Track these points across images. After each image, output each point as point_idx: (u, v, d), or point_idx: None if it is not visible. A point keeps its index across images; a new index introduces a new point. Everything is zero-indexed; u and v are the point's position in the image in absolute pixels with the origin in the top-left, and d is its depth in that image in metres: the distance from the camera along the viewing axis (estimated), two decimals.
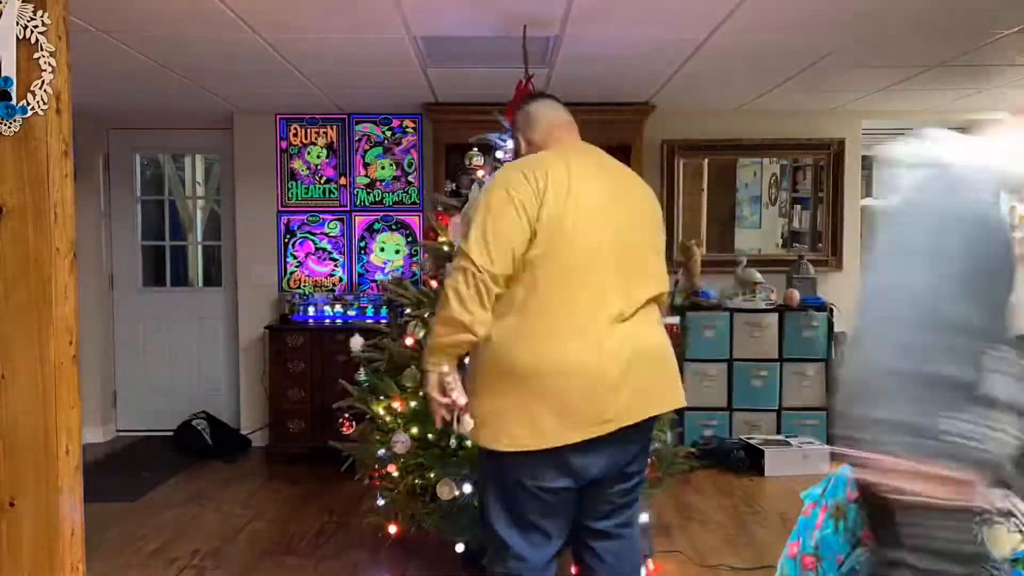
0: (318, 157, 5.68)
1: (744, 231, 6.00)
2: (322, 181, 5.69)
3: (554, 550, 2.44)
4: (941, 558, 1.59)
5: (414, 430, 3.26)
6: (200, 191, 6.44)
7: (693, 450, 3.80)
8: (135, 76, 4.41)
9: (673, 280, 5.57)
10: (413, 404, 3.35)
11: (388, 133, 5.68)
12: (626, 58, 4.12)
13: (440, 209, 3.70)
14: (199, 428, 5.58)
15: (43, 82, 2.22)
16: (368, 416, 3.46)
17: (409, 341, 3.43)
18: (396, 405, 3.34)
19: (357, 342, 3.62)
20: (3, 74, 2.20)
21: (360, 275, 5.72)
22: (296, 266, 5.70)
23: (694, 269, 5.51)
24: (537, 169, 2.31)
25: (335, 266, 5.73)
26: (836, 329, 5.46)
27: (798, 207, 5.98)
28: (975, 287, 1.51)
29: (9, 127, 2.22)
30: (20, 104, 2.21)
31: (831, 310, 5.41)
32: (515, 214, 2.23)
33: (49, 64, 2.22)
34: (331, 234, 5.71)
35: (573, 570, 3.20)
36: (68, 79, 2.29)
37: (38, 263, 2.26)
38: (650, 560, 3.50)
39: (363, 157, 5.69)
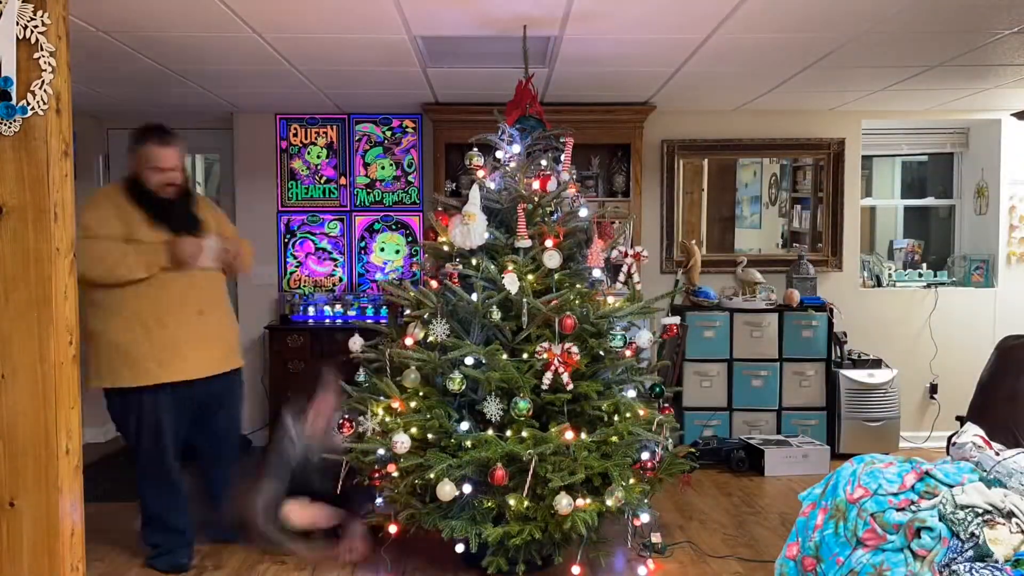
0: (318, 157, 5.68)
1: (744, 231, 6.00)
2: (322, 181, 5.69)
3: None
4: None
5: (414, 430, 3.26)
6: (200, 191, 6.44)
7: (693, 450, 3.80)
8: (135, 76, 4.41)
9: (674, 279, 5.58)
10: (413, 404, 3.35)
11: (388, 133, 5.68)
12: (626, 58, 4.12)
13: (440, 209, 3.70)
14: None
15: (43, 82, 2.22)
16: (366, 415, 3.46)
17: (409, 341, 3.43)
18: (396, 405, 3.34)
19: (357, 342, 3.62)
20: (3, 74, 2.20)
21: (360, 275, 5.72)
22: (296, 266, 5.70)
23: (694, 269, 5.51)
24: None
25: (335, 266, 5.72)
26: (836, 329, 5.47)
27: (798, 207, 5.98)
28: None
29: (9, 127, 2.22)
30: (20, 104, 2.21)
31: (831, 310, 5.41)
32: None
33: (49, 64, 2.22)
34: (331, 234, 5.71)
35: (576, 570, 3.22)
36: (68, 79, 2.29)
37: (38, 263, 2.26)
38: (651, 560, 3.51)
39: (363, 157, 5.68)
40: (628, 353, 3.47)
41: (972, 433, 2.93)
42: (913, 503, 2.11)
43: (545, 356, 3.19)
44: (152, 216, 3.46)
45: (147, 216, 3.46)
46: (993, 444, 2.87)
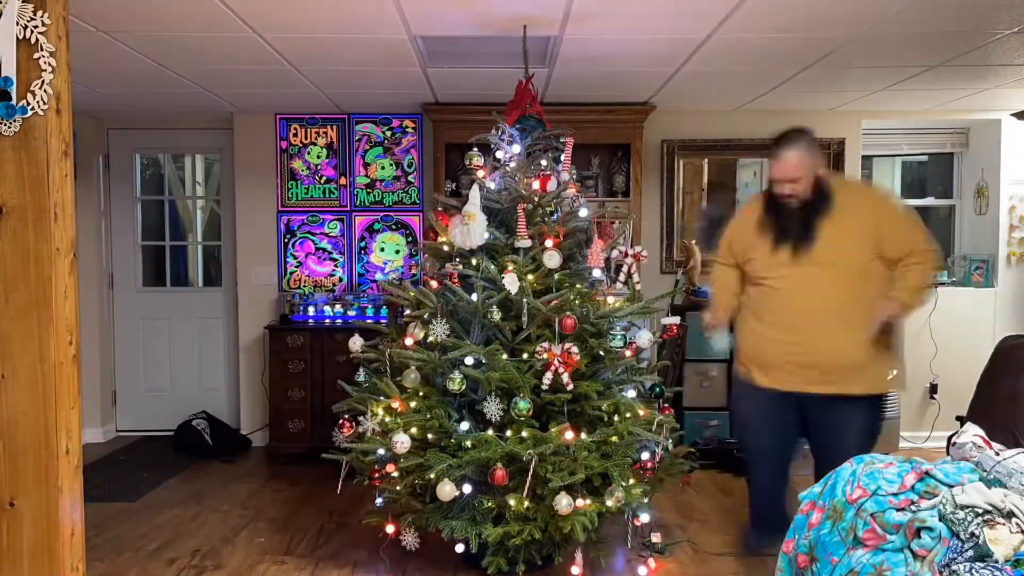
0: (318, 157, 5.68)
1: None
2: (322, 181, 5.69)
3: None
4: None
5: (414, 430, 3.26)
6: (200, 191, 6.44)
7: (693, 450, 3.80)
8: (135, 76, 4.41)
9: (674, 279, 5.58)
10: (413, 404, 3.35)
11: (388, 133, 5.68)
12: (626, 58, 4.12)
13: (440, 209, 3.70)
14: (199, 428, 5.58)
15: (43, 82, 2.22)
16: (366, 415, 3.46)
17: (409, 341, 3.43)
18: (396, 405, 3.34)
19: (357, 342, 3.62)
20: (3, 74, 2.20)
21: (360, 275, 5.72)
22: (296, 266, 5.70)
23: (694, 269, 5.51)
24: None
25: (335, 266, 5.72)
26: None
27: None
28: None
29: (9, 127, 2.22)
30: (20, 104, 2.21)
31: None
32: None
33: (49, 64, 2.22)
34: (331, 234, 5.71)
35: (576, 570, 3.22)
36: (68, 79, 2.29)
37: (38, 263, 2.26)
38: (651, 559, 3.51)
39: (363, 157, 5.69)
40: (628, 353, 3.47)
41: (972, 433, 2.93)
42: (913, 503, 2.11)
43: (545, 356, 3.19)
44: (772, 221, 3.41)
45: (772, 222, 3.41)
46: (993, 444, 2.87)
